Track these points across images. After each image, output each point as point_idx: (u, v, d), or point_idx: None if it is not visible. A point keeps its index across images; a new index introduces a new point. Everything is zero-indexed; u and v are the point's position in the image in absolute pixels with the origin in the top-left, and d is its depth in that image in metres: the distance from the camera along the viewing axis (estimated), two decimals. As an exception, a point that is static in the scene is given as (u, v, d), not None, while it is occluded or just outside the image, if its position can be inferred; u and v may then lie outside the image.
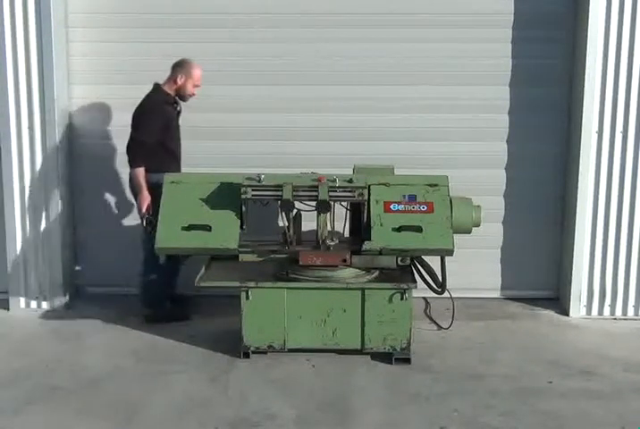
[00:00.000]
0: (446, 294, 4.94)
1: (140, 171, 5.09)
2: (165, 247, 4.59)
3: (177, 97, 5.27)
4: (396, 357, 4.58)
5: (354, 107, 5.67)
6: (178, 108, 5.31)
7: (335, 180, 4.51)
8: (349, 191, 4.52)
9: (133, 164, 5.11)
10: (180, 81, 5.19)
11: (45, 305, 5.61)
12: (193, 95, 5.27)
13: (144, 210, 5.04)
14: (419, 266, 4.93)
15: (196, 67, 5.22)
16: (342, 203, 4.86)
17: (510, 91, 5.67)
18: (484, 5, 5.57)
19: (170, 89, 5.24)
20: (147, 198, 5.06)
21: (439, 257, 4.74)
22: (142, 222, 5.07)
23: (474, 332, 5.17)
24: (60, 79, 5.46)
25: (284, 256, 4.71)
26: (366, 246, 4.51)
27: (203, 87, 5.31)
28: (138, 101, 5.19)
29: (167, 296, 5.39)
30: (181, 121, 5.37)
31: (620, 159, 5.38)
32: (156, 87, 5.23)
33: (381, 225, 4.53)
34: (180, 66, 5.22)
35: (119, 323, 5.24)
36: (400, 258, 4.72)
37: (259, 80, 5.65)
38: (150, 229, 4.87)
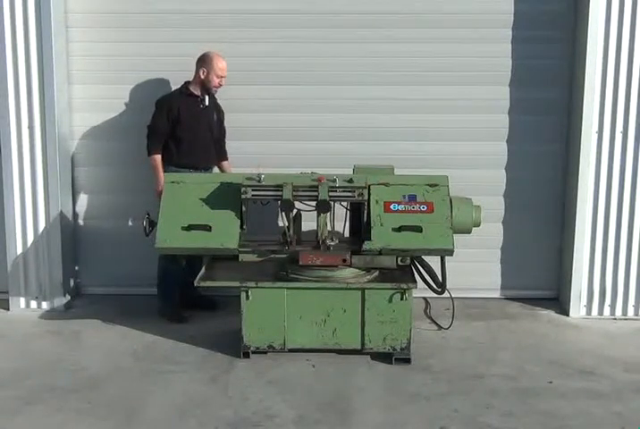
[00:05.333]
0: (446, 294, 4.95)
1: (154, 158, 5.23)
2: (165, 247, 4.59)
3: (206, 92, 5.31)
4: (396, 357, 4.58)
5: (354, 107, 5.67)
6: (202, 104, 5.32)
7: (335, 180, 4.51)
8: (349, 191, 4.52)
9: (147, 151, 5.27)
10: (202, 75, 5.25)
11: (45, 305, 5.60)
12: (218, 86, 5.31)
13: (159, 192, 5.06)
14: (419, 266, 4.92)
15: (217, 58, 5.25)
16: (342, 203, 4.86)
17: (510, 91, 5.67)
18: (484, 5, 5.57)
19: (196, 85, 5.31)
20: (160, 183, 5.12)
21: (439, 257, 4.75)
22: (143, 221, 5.07)
23: (474, 332, 5.17)
24: (60, 80, 5.46)
25: (284, 256, 4.70)
26: (366, 246, 4.51)
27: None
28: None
29: (180, 293, 5.40)
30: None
31: (620, 159, 5.37)
32: (184, 83, 5.34)
33: (381, 225, 4.53)
34: (201, 60, 5.28)
35: (119, 323, 5.24)
36: (400, 258, 4.72)
37: (258, 80, 5.65)
38: (150, 229, 4.87)
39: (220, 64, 5.24)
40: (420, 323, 5.24)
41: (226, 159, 5.57)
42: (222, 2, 5.59)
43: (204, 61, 5.26)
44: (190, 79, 5.33)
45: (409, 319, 4.57)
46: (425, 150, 5.69)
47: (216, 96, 5.44)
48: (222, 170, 5.54)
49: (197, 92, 5.31)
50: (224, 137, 5.57)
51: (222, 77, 5.28)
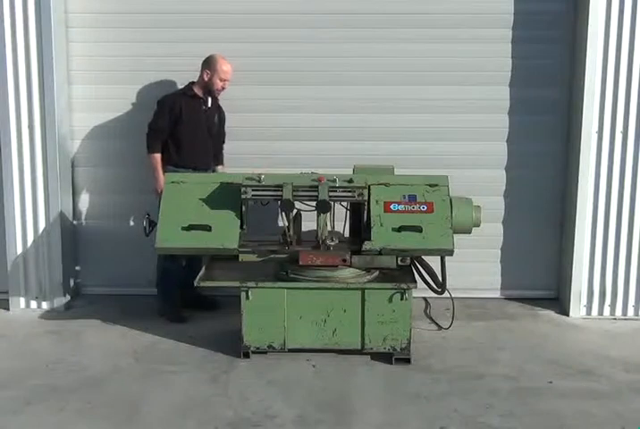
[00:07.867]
0: (446, 294, 4.95)
1: (153, 156, 5.23)
2: (165, 247, 4.59)
3: (209, 94, 5.32)
4: (396, 357, 4.58)
5: (354, 107, 5.67)
6: (204, 106, 5.33)
7: (335, 180, 4.51)
8: (349, 191, 4.52)
9: (147, 149, 5.26)
10: (206, 78, 5.26)
11: (45, 305, 5.60)
12: (221, 89, 5.32)
13: (159, 191, 5.06)
14: (419, 266, 4.93)
15: (222, 61, 5.25)
16: (342, 203, 4.86)
17: (510, 91, 5.67)
18: (484, 5, 5.57)
19: (200, 86, 5.31)
20: (160, 181, 5.12)
21: (439, 257, 4.75)
22: (143, 221, 5.07)
23: (474, 332, 5.17)
24: (60, 80, 5.46)
25: (284, 256, 4.70)
26: (366, 246, 4.51)
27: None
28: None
29: (180, 293, 5.40)
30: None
31: (620, 159, 5.38)
32: (188, 84, 5.34)
33: (381, 225, 4.53)
34: (205, 62, 5.28)
35: (119, 323, 5.24)
36: (400, 258, 4.71)
37: (259, 80, 5.65)
38: (150, 229, 4.87)
39: (224, 67, 5.24)
40: (420, 323, 5.25)
41: (222, 164, 5.57)
42: (222, 2, 5.59)
43: (208, 63, 5.25)
44: (195, 80, 5.33)
45: (409, 319, 4.57)
46: (425, 150, 5.69)
47: (218, 97, 5.44)
48: None
49: (200, 93, 5.31)
50: (223, 142, 5.56)
51: (225, 80, 5.28)
